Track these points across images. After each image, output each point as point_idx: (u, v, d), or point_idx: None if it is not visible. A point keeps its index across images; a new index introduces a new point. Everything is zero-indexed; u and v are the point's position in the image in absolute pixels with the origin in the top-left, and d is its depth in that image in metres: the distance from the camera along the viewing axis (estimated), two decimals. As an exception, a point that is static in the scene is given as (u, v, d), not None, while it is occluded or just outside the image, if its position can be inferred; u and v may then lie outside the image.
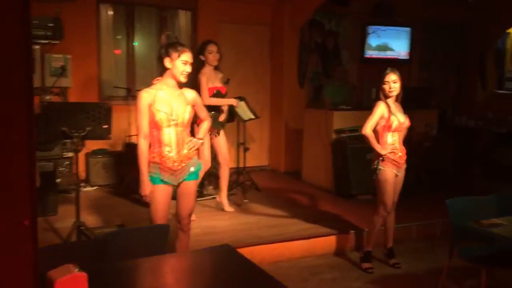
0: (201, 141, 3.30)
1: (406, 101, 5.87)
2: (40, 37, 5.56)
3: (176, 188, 3.25)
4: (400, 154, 3.89)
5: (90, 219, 4.51)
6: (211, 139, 4.91)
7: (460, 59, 8.70)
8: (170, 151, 3.10)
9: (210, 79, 4.79)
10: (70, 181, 5.67)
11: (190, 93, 3.25)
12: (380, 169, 3.83)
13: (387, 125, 3.82)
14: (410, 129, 5.09)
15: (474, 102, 8.49)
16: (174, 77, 3.10)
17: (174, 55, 3.06)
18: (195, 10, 6.92)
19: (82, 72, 6.19)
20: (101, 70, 6.51)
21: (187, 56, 3.09)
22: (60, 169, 5.51)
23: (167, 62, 3.07)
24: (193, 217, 4.83)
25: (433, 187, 6.01)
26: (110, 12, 6.58)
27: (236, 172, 6.05)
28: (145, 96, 3.05)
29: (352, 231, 4.53)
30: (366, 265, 4.03)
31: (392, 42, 7.99)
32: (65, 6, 5.85)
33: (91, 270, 1.90)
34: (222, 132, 5.01)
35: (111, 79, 6.62)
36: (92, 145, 5.96)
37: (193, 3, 6.87)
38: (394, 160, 3.86)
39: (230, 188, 5.83)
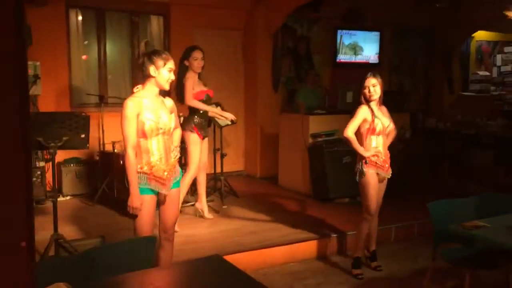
0: (177, 148, 3.26)
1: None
2: (8, 44, 5.37)
3: (158, 197, 3.18)
4: (383, 158, 3.93)
5: (66, 231, 4.37)
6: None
7: (427, 63, 8.93)
8: (160, 160, 3.03)
9: (195, 83, 4.73)
10: (41, 192, 5.50)
11: (169, 101, 3.20)
12: (364, 172, 3.87)
13: (371, 128, 3.85)
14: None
15: (443, 105, 8.73)
16: (159, 85, 3.03)
17: (160, 62, 2.99)
18: (168, 15, 6.85)
19: (52, 79, 6.02)
20: (72, 77, 6.36)
21: (172, 64, 3.05)
22: (32, 179, 5.33)
23: (151, 70, 2.99)
24: (176, 228, 4.77)
25: (405, 189, 6.12)
26: (80, 17, 6.43)
27: (213, 178, 6.01)
28: (133, 104, 2.94)
29: (334, 235, 4.56)
30: (356, 271, 4.02)
31: (362, 46, 8.12)
32: (33, 11, 5.68)
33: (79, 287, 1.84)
34: (206, 139, 4.93)
35: (82, 86, 6.47)
36: (64, 154, 5.81)
37: (165, 8, 6.80)
38: (377, 164, 3.90)
39: (207, 194, 5.79)
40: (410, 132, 6.71)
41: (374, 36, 8.19)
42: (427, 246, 3.77)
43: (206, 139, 4.91)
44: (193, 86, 4.69)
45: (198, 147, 4.72)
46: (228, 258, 3.82)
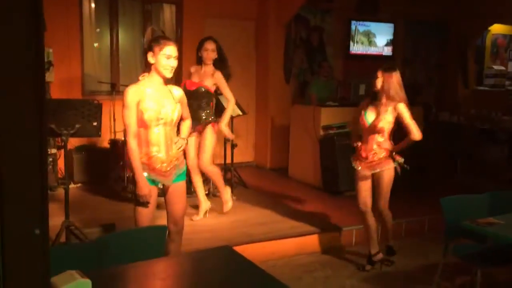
0: (185, 141, 3.19)
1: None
2: (21, 30, 5.39)
3: (165, 190, 3.14)
4: (364, 154, 3.85)
5: (77, 218, 4.39)
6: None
7: (441, 56, 8.81)
8: (159, 151, 2.96)
9: (195, 75, 4.62)
10: (53, 179, 5.54)
11: (178, 91, 3.12)
12: (353, 166, 3.92)
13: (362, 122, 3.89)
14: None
15: (457, 99, 8.62)
16: (158, 73, 2.94)
17: (156, 49, 2.90)
18: (180, 4, 6.81)
19: (65, 67, 6.03)
20: (84, 65, 6.36)
21: (170, 50, 2.91)
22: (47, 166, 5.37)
23: (149, 57, 2.91)
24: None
25: (417, 183, 6.07)
26: (93, 5, 6.42)
27: (223, 169, 6.00)
28: (133, 92, 2.88)
29: (343, 228, 4.54)
30: (367, 267, 4.01)
31: (376, 38, 8.04)
32: (47, -2, 5.68)
33: (93, 275, 1.84)
34: (207, 131, 4.72)
35: (94, 74, 6.48)
36: (75, 141, 5.83)
37: (178, -3, 6.77)
38: (363, 159, 3.86)
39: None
40: (423, 126, 6.62)
41: (388, 27, 8.09)
42: (438, 241, 3.75)
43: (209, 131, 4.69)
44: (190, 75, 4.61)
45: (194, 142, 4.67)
46: (237, 249, 3.82)
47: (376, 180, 3.91)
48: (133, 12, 6.71)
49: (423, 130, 6.64)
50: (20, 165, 1.25)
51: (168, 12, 6.89)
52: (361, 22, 7.83)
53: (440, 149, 6.84)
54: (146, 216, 2.98)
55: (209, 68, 4.60)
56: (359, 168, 3.89)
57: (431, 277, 3.58)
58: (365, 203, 3.94)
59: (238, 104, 5.74)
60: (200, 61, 4.63)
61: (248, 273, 2.25)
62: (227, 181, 5.81)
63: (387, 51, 8.14)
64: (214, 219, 4.76)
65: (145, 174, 2.94)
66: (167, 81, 3.05)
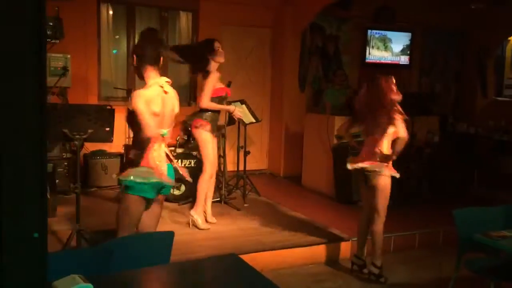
0: None
1: (407, 107, 5.87)
2: (40, 36, 5.48)
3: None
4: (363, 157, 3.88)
5: (89, 222, 4.43)
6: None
7: (460, 66, 8.70)
8: (163, 152, 3.00)
9: (218, 80, 4.65)
10: (67, 183, 5.59)
11: (174, 93, 3.13)
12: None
13: None
14: (411, 136, 5.06)
15: (475, 109, 8.49)
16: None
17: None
18: (196, 12, 6.87)
19: (82, 72, 6.11)
20: (101, 71, 6.44)
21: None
22: (59, 170, 5.44)
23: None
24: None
25: (434, 194, 5.99)
26: (111, 12, 6.51)
27: (236, 176, 6.00)
28: (141, 96, 2.91)
29: (355, 239, 4.48)
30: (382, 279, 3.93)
31: (393, 47, 7.97)
32: (65, 5, 5.77)
33: (96, 280, 1.84)
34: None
35: (111, 80, 6.55)
36: (90, 146, 5.90)
37: (194, 5, 6.82)
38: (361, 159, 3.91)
39: (230, 192, 5.78)
40: (438, 136, 6.54)
41: (405, 36, 8.03)
42: (453, 254, 3.66)
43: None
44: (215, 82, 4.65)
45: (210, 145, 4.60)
46: (247, 256, 3.82)
47: (370, 187, 3.85)
48: (150, 19, 6.79)
49: (440, 141, 6.62)
50: (19, 168, 1.25)
51: (184, 20, 6.95)
52: (377, 31, 7.79)
53: (457, 161, 6.73)
54: (130, 228, 2.96)
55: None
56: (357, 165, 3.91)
57: (444, 291, 3.50)
58: (364, 208, 4.01)
59: (251, 111, 5.75)
60: (207, 64, 4.62)
61: (252, 282, 2.22)
62: (240, 189, 5.80)
63: (404, 60, 8.07)
64: (224, 226, 4.75)
65: (147, 179, 2.88)
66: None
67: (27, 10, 1.14)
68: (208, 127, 4.55)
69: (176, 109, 3.13)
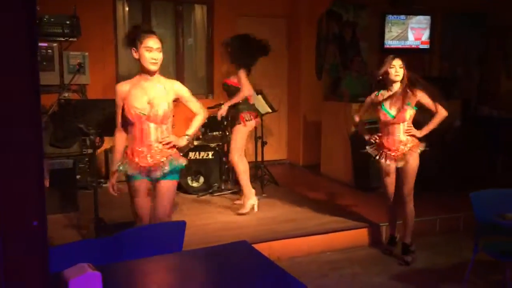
0: (185, 137, 3.15)
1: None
2: (58, 35, 5.59)
3: (153, 187, 3.14)
4: (388, 147, 3.85)
5: (110, 215, 4.51)
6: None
7: (482, 48, 8.47)
8: (140, 147, 3.02)
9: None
10: (90, 178, 5.71)
11: (173, 85, 3.10)
12: (378, 159, 3.92)
13: (379, 115, 3.90)
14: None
15: (498, 92, 8.26)
16: (142, 68, 2.99)
17: (137, 43, 2.94)
18: (211, 4, 6.87)
19: (100, 69, 6.21)
20: (119, 67, 6.53)
21: (151, 42, 2.93)
22: (80, 165, 5.55)
23: (133, 53, 2.99)
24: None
25: (457, 179, 5.87)
26: (126, 8, 6.58)
27: (254, 166, 6.01)
28: (119, 89, 3.03)
29: (373, 225, 4.45)
30: (405, 257, 4.01)
31: (412, 31, 7.82)
32: (82, 3, 5.87)
33: (105, 269, 1.88)
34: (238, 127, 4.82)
35: (129, 76, 6.60)
36: (111, 141, 5.99)
37: (209, -3, 6.83)
38: (387, 151, 3.85)
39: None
40: (460, 120, 6.40)
41: (425, 20, 7.86)
42: (473, 239, 3.60)
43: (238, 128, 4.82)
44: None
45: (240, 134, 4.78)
46: (264, 245, 3.85)
47: (401, 168, 3.87)
48: (165, 13, 6.84)
49: (462, 126, 6.47)
50: (17, 157, 1.28)
51: (199, 13, 6.97)
52: (396, 16, 7.65)
53: (480, 145, 6.58)
54: (142, 210, 3.11)
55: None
56: (387, 162, 3.84)
57: (463, 275, 3.45)
58: (389, 192, 4.00)
59: (267, 101, 5.75)
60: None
61: (262, 268, 2.23)
62: (258, 178, 5.82)
63: (424, 44, 7.91)
64: (242, 217, 4.77)
65: (124, 168, 3.05)
66: (163, 75, 3.12)
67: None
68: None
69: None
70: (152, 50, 2.93)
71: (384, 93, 3.87)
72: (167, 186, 3.10)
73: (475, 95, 8.15)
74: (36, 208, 1.32)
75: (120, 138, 3.12)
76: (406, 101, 3.74)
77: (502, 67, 8.39)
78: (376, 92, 3.90)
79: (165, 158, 3.04)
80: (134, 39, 2.97)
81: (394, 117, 3.78)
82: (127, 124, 3.05)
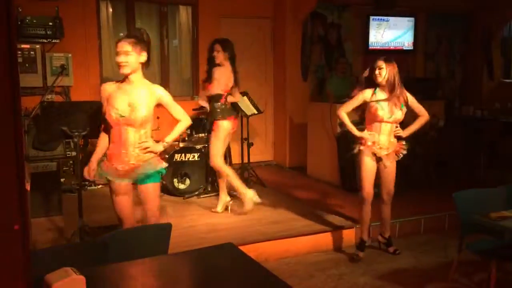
0: (163, 143, 3.11)
1: (412, 92, 5.82)
2: (40, 36, 5.53)
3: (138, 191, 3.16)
4: (382, 146, 3.89)
5: (95, 218, 4.47)
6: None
7: (465, 49, 8.58)
8: (117, 150, 3.02)
9: (225, 78, 4.68)
10: (74, 181, 5.65)
11: (156, 90, 3.05)
12: (358, 152, 3.93)
13: (372, 113, 3.89)
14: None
15: (481, 92, 8.38)
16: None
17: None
18: (196, 5, 6.85)
19: (84, 71, 6.15)
20: (103, 68, 6.47)
21: (119, 46, 2.96)
22: (64, 168, 5.49)
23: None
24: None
25: (440, 178, 5.94)
26: (110, 9, 6.53)
27: (241, 168, 6.00)
28: (104, 89, 3.08)
29: (358, 226, 4.46)
30: (357, 251, 4.11)
31: (396, 33, 7.89)
32: (65, 4, 5.81)
33: (90, 273, 1.86)
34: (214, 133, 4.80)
35: (113, 77, 6.56)
36: (95, 144, 5.93)
37: (193, -2, 6.81)
38: (373, 150, 3.90)
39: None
40: (444, 120, 6.47)
41: (408, 21, 7.93)
42: (457, 238, 3.64)
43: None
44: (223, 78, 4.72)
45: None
46: (251, 247, 3.84)
47: (384, 170, 3.94)
48: (150, 15, 6.80)
49: (445, 125, 6.54)
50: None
51: (184, 14, 6.95)
52: (379, 17, 7.70)
53: (463, 144, 6.67)
54: (125, 211, 3.11)
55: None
56: (370, 159, 3.91)
57: (448, 274, 3.48)
58: (369, 192, 4.00)
59: (253, 103, 5.75)
60: (213, 63, 4.74)
61: (247, 270, 2.22)
62: (244, 180, 5.80)
63: (408, 45, 7.99)
64: (228, 218, 4.76)
65: (102, 173, 3.12)
66: (148, 76, 3.12)
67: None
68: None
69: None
70: (119, 54, 2.96)
71: (379, 93, 3.86)
72: (147, 189, 3.11)
73: (459, 95, 8.26)
74: (17, 212, 1.30)
75: (103, 138, 3.15)
76: (399, 102, 3.80)
77: (484, 67, 8.51)
78: (373, 90, 3.87)
79: (142, 163, 3.03)
80: None
81: (390, 117, 3.80)
82: (107, 127, 3.08)
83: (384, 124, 3.85)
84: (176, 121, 3.23)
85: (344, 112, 3.97)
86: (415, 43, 8.01)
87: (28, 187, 3.93)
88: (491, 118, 7.09)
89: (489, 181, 5.47)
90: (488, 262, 3.14)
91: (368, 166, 3.93)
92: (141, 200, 3.16)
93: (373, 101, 3.85)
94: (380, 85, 3.83)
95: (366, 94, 3.89)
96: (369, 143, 3.88)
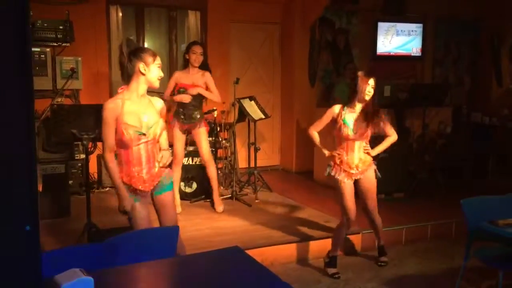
0: (169, 152, 3.03)
1: (420, 99, 5.82)
2: (51, 40, 5.59)
3: (153, 202, 3.07)
4: (351, 164, 3.74)
5: (102, 220, 4.50)
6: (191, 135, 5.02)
7: (474, 55, 8.56)
8: (140, 172, 2.89)
9: (182, 77, 4.87)
10: (82, 183, 5.69)
11: (159, 103, 2.98)
12: (331, 174, 3.80)
13: (338, 131, 3.76)
14: (424, 127, 4.97)
15: (489, 99, 8.35)
16: (148, 83, 2.85)
17: (149, 59, 2.82)
18: (205, 10, 6.90)
19: (93, 74, 6.21)
20: (112, 72, 6.53)
21: (160, 60, 2.88)
22: (73, 171, 5.53)
23: (141, 68, 2.80)
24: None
25: (448, 185, 5.92)
26: (120, 14, 6.59)
27: (248, 172, 6.02)
28: (111, 107, 2.80)
29: (365, 232, 4.46)
30: (331, 270, 3.89)
31: (404, 39, 7.88)
32: (75, 9, 5.87)
33: (98, 274, 1.88)
34: (202, 130, 4.90)
35: (122, 81, 6.62)
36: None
37: (202, 3, 6.85)
38: (341, 168, 3.75)
39: (241, 188, 5.81)
40: (451, 127, 6.46)
41: (417, 27, 7.93)
42: (464, 245, 3.63)
43: (203, 131, 4.90)
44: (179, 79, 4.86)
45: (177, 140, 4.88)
46: (257, 251, 3.85)
47: (362, 184, 3.84)
48: (159, 20, 6.85)
49: (454, 131, 6.53)
50: (9, 162, 1.28)
51: (193, 19, 6.99)
52: (388, 23, 7.71)
53: (471, 150, 6.64)
54: (146, 220, 2.99)
55: (196, 70, 4.89)
56: (345, 179, 3.76)
57: (455, 281, 3.46)
58: (354, 212, 3.85)
59: (260, 107, 5.78)
60: (187, 64, 4.89)
61: (253, 274, 2.23)
62: (251, 184, 5.83)
63: (416, 51, 7.98)
64: (235, 222, 4.77)
65: (130, 195, 2.93)
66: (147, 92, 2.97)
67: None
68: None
69: None
70: (160, 67, 2.89)
71: (347, 109, 3.74)
72: (166, 198, 3.04)
73: (467, 102, 8.23)
74: (29, 212, 1.32)
75: (114, 159, 2.87)
76: (373, 120, 3.67)
77: (493, 74, 8.48)
78: (343, 107, 3.75)
79: (162, 176, 2.99)
80: (143, 54, 2.86)
81: (356, 134, 3.68)
82: (120, 147, 2.86)
83: (351, 142, 3.73)
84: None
85: (314, 131, 3.86)
86: (423, 49, 8.00)
87: (40, 187, 3.97)
88: (500, 124, 7.05)
89: (497, 188, 5.44)
90: (496, 269, 3.13)
91: (347, 190, 3.77)
92: (160, 209, 3.07)
93: (338, 117, 3.72)
94: (361, 102, 3.69)
95: (335, 109, 3.77)
96: (338, 162, 3.75)
